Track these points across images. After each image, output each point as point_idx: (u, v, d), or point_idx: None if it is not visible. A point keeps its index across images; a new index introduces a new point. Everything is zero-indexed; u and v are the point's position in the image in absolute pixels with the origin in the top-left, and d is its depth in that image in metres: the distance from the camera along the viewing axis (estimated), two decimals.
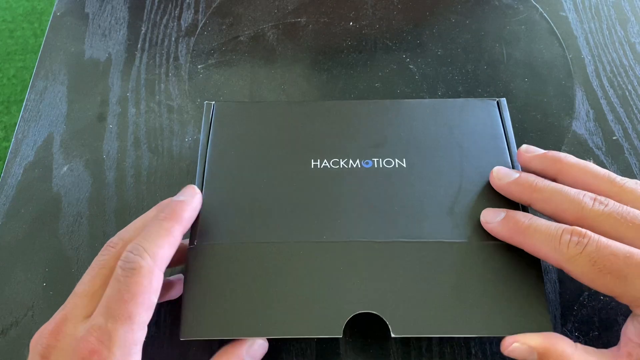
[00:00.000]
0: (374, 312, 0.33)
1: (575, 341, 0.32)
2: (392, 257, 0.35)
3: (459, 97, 0.51)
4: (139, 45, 0.56)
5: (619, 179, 0.34)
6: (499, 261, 0.35)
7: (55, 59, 0.55)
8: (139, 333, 0.30)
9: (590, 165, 0.35)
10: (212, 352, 0.33)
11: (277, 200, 0.37)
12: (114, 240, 0.34)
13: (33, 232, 0.44)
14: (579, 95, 0.51)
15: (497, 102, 0.42)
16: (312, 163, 0.39)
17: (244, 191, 0.38)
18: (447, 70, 0.53)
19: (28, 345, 0.31)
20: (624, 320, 0.39)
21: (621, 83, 0.52)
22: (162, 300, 0.38)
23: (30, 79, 0.54)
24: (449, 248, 0.35)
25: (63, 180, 0.47)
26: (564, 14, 0.57)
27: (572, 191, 0.33)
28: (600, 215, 0.31)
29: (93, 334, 0.29)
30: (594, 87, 0.52)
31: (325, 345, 0.38)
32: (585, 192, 0.33)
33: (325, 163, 0.39)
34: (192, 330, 0.33)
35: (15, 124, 0.47)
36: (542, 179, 0.35)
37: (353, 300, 0.34)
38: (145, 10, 0.59)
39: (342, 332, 0.33)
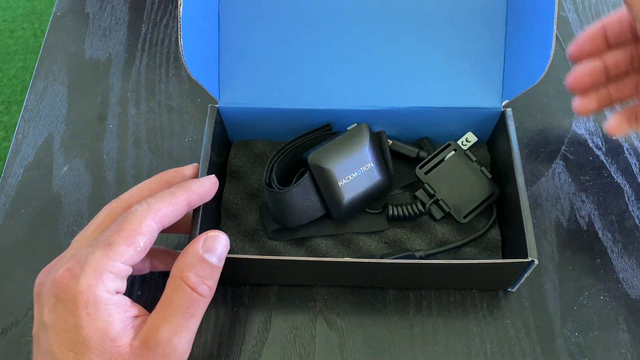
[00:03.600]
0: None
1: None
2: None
3: None
4: (139, 46, 0.56)
5: None
6: None
7: (56, 59, 0.55)
8: (117, 265, 0.30)
9: None
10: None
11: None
12: (124, 196, 0.35)
13: (33, 232, 0.44)
14: None
15: None
16: None
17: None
18: None
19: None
20: (624, 321, 0.39)
21: None
22: (154, 268, 0.39)
23: (30, 79, 0.54)
24: None
25: (63, 180, 0.47)
26: (563, 14, 0.57)
27: None
28: None
29: (72, 258, 0.30)
30: None
31: (334, 292, 0.39)
32: None
33: None
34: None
35: (16, 124, 0.47)
36: None
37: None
38: (146, 11, 0.59)
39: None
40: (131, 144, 0.49)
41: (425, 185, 0.42)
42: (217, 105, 0.42)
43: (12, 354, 0.39)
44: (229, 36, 0.42)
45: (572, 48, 0.40)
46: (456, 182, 0.42)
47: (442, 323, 0.39)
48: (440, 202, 0.42)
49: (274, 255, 0.41)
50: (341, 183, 0.39)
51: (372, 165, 0.39)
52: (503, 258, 0.41)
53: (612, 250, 0.43)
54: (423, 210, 0.41)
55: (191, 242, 0.33)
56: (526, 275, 0.37)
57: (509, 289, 0.41)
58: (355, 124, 0.40)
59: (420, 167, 0.43)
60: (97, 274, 0.29)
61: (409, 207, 0.41)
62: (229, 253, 0.34)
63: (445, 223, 0.43)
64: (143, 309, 0.32)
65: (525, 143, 0.48)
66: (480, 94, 0.42)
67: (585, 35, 0.40)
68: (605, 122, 0.41)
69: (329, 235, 0.42)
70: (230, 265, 0.35)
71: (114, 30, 0.57)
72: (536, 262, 0.35)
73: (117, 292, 0.30)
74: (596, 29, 0.39)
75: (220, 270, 0.33)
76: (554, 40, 0.36)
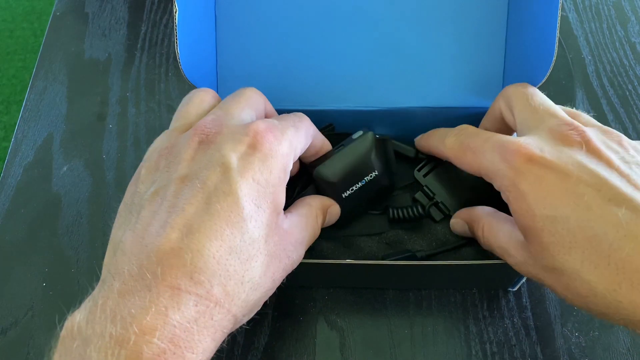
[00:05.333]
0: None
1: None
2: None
3: None
4: (138, 45, 0.56)
5: None
6: None
7: (55, 59, 0.55)
8: (299, 149, 0.32)
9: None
10: None
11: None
12: None
13: (33, 232, 0.44)
14: (579, 95, 0.51)
15: None
16: None
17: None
18: None
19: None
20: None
21: (621, 83, 0.52)
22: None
23: (30, 78, 0.54)
24: None
25: (63, 180, 0.47)
26: (564, 13, 0.57)
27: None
28: None
29: (263, 121, 0.30)
30: (594, 87, 0.52)
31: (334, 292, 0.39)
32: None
33: None
34: None
35: (15, 123, 0.47)
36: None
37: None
38: (145, 10, 0.58)
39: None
40: (131, 144, 0.49)
41: (425, 187, 0.42)
42: None
43: (12, 354, 0.39)
44: (227, 38, 0.42)
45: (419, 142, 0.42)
46: (455, 184, 0.42)
47: (442, 323, 0.39)
48: (439, 204, 0.42)
49: None
50: (345, 195, 0.38)
51: (377, 173, 0.39)
52: None
53: None
54: (422, 212, 0.41)
55: (324, 198, 0.36)
56: None
57: (510, 288, 0.41)
58: (361, 132, 0.39)
59: (419, 170, 0.42)
60: (292, 147, 0.30)
61: (409, 210, 0.41)
62: None
63: (446, 223, 0.43)
64: None
65: None
66: (481, 94, 0.42)
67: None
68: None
69: (330, 237, 0.42)
70: None
71: (113, 29, 0.57)
72: None
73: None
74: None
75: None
76: (556, 42, 0.36)
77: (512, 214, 0.30)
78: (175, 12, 0.35)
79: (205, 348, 0.25)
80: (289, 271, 0.30)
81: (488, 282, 0.40)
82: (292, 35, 0.42)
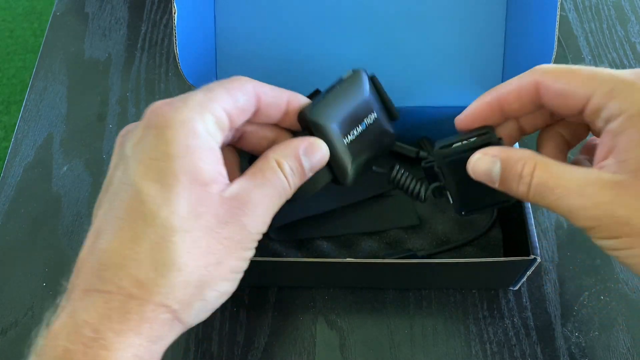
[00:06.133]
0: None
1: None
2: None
3: None
4: (138, 45, 0.56)
5: None
6: None
7: (55, 59, 0.55)
8: (218, 107, 0.27)
9: None
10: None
11: None
12: None
13: (33, 232, 0.44)
14: None
15: None
16: None
17: None
18: None
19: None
20: (624, 321, 0.39)
21: None
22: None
23: (30, 78, 0.54)
24: None
25: (63, 180, 0.47)
26: (563, 13, 0.57)
27: None
28: None
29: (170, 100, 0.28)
30: None
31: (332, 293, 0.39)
32: None
33: None
34: None
35: (15, 124, 0.47)
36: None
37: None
38: (145, 10, 0.58)
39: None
40: None
41: (438, 168, 0.34)
42: None
43: (12, 354, 0.39)
44: (226, 38, 0.42)
45: (461, 121, 0.33)
46: (470, 182, 0.33)
47: (442, 323, 0.39)
48: (445, 191, 0.35)
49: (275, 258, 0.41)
50: (347, 141, 0.33)
51: (376, 115, 0.34)
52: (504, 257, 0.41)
53: None
54: (424, 193, 0.35)
55: (293, 139, 0.30)
56: (528, 273, 0.37)
57: (511, 288, 0.40)
58: (351, 71, 0.34)
59: (442, 148, 0.34)
60: (199, 110, 0.27)
61: (414, 181, 0.36)
62: None
63: (446, 222, 0.43)
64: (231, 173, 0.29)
65: (526, 143, 0.48)
66: (479, 93, 0.42)
67: (477, 107, 0.33)
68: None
69: (331, 236, 0.42)
70: None
71: (113, 29, 0.57)
72: (539, 259, 0.35)
73: (216, 141, 0.28)
74: (490, 101, 0.32)
75: (303, 181, 0.30)
76: (555, 41, 0.36)
77: (621, 148, 0.26)
78: (174, 13, 0.34)
79: (130, 343, 0.24)
80: (252, 241, 0.28)
81: (489, 281, 0.40)
82: (291, 35, 0.42)
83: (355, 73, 0.34)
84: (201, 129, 0.26)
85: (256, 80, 0.30)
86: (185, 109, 0.26)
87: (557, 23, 0.36)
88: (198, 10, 0.39)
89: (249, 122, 0.31)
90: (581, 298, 0.40)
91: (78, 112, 0.51)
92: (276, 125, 0.32)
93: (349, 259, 0.37)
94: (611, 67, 0.53)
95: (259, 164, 0.29)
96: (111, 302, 0.24)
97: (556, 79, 0.28)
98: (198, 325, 0.39)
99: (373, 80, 0.36)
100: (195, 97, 0.27)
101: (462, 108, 0.43)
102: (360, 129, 0.33)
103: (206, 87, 0.28)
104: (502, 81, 0.42)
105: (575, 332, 0.39)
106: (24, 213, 0.45)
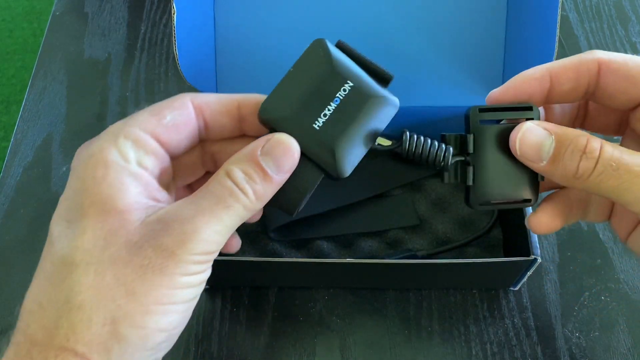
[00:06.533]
0: None
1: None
2: None
3: None
4: (138, 45, 0.56)
5: None
6: None
7: (55, 59, 0.55)
8: (134, 130, 0.26)
9: None
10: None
11: None
12: None
13: (33, 232, 0.44)
14: None
15: None
16: None
17: None
18: None
19: None
20: (625, 321, 0.39)
21: None
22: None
23: (29, 78, 0.54)
24: None
25: (62, 180, 0.47)
26: (564, 13, 0.57)
27: None
28: None
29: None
30: None
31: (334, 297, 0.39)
32: None
33: None
34: None
35: (15, 123, 0.47)
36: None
37: None
38: (145, 10, 0.58)
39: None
40: None
41: (469, 136, 0.29)
42: None
43: None
44: (226, 39, 0.42)
45: (497, 94, 0.30)
46: (503, 161, 0.29)
47: (442, 323, 0.39)
48: (468, 167, 0.29)
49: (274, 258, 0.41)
50: (318, 124, 0.27)
51: (351, 83, 0.28)
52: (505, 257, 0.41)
53: (612, 251, 0.42)
54: (448, 158, 0.29)
55: (252, 142, 0.26)
56: (529, 273, 0.37)
57: (511, 288, 0.40)
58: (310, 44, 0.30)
59: (481, 111, 0.30)
60: (111, 138, 0.25)
61: (431, 146, 0.30)
62: (228, 255, 0.33)
63: (447, 222, 0.43)
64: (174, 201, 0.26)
65: None
66: (480, 93, 0.42)
67: (523, 81, 0.28)
68: (528, 217, 0.30)
69: (331, 236, 0.42)
70: (231, 268, 0.35)
71: (113, 29, 0.57)
72: (539, 260, 0.35)
73: (139, 165, 0.26)
74: (540, 76, 0.28)
75: (278, 185, 0.26)
76: (556, 41, 0.36)
77: None
78: (174, 14, 0.34)
79: None
80: (186, 264, 0.24)
81: (489, 281, 0.40)
82: (291, 35, 0.42)
83: (312, 45, 0.29)
84: (113, 157, 0.25)
85: (197, 93, 0.28)
86: (97, 141, 0.26)
87: (558, 23, 0.36)
88: (198, 10, 0.39)
89: (209, 140, 0.29)
90: (582, 298, 0.40)
91: (77, 112, 0.51)
92: (248, 137, 0.30)
93: (349, 259, 0.37)
94: None
95: (207, 183, 0.26)
96: (19, 352, 0.23)
97: (625, 61, 0.26)
98: (198, 326, 0.39)
99: (341, 46, 0.30)
100: (112, 127, 0.26)
101: (463, 108, 0.43)
102: (333, 106, 0.28)
103: (149, 108, 0.28)
104: (503, 82, 0.42)
105: (576, 333, 0.39)
106: (24, 213, 0.45)
